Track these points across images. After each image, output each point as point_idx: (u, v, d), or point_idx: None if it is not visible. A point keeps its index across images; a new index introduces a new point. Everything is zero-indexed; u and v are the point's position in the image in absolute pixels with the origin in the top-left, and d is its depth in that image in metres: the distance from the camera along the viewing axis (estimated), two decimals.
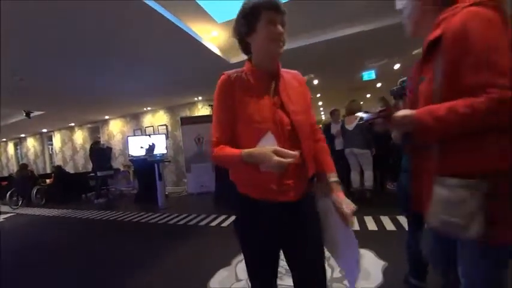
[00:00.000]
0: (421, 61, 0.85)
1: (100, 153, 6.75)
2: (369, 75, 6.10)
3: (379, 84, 7.59)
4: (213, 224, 3.60)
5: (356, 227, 2.91)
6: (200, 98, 7.16)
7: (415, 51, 4.58)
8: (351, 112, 3.99)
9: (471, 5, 0.72)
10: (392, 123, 0.82)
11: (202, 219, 3.88)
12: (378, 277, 1.87)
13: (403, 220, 2.94)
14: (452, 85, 0.73)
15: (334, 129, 4.40)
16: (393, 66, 5.69)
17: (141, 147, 6.17)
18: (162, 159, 5.68)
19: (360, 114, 0.98)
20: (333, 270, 2.02)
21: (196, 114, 7.29)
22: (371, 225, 2.93)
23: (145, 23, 2.90)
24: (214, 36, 3.80)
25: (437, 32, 0.76)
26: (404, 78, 2.06)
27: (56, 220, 5.15)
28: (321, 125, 6.53)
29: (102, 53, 3.55)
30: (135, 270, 2.40)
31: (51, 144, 10.63)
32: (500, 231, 0.70)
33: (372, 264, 2.06)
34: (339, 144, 4.29)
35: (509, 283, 0.48)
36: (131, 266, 2.53)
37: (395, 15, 3.45)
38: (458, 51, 0.71)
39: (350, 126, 3.98)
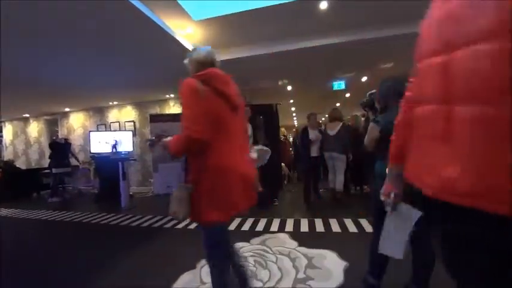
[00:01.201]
0: None
1: (57, 148, 6.23)
2: (338, 85, 6.36)
3: (348, 94, 7.98)
4: (180, 226, 3.49)
5: (321, 228, 3.00)
6: (172, 95, 6.94)
7: (384, 66, 4.90)
8: (334, 119, 4.29)
9: (191, 77, 1.20)
10: (160, 146, 1.32)
11: (168, 221, 3.74)
12: (339, 277, 1.95)
13: (365, 223, 3.10)
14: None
15: (313, 134, 4.35)
16: (361, 78, 6.02)
17: (107, 143, 5.81)
18: (127, 157, 5.39)
19: (149, 138, 1.40)
20: (297, 271, 2.06)
21: (167, 112, 7.06)
22: (335, 227, 3.04)
23: (115, 12, 2.73)
24: (189, 33, 3.72)
25: None
26: (373, 91, 2.20)
27: (3, 220, 4.63)
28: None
29: (66, 40, 3.29)
30: (95, 274, 2.24)
31: (1, 136, 9.61)
32: (197, 215, 1.20)
33: (334, 264, 2.14)
34: (314, 150, 4.33)
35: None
36: (90, 269, 2.35)
37: (367, 31, 3.67)
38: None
39: (332, 132, 4.20)
